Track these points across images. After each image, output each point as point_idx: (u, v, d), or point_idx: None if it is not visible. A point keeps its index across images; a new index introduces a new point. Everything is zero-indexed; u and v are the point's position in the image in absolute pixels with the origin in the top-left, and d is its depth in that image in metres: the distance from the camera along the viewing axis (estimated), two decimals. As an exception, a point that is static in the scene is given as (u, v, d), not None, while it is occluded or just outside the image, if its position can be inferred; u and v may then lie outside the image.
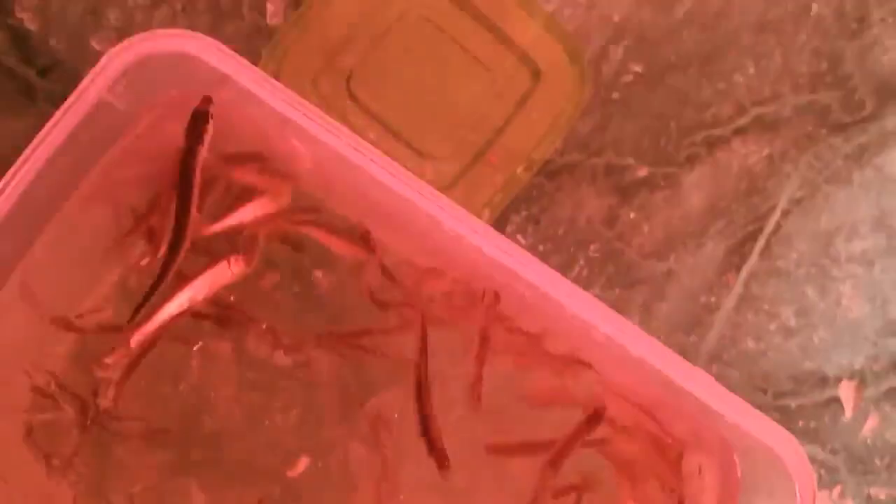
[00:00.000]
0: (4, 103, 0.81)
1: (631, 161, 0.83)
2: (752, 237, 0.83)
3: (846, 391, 0.84)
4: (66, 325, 0.68)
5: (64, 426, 0.68)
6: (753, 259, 0.84)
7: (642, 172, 0.83)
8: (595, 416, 0.67)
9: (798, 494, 0.59)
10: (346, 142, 0.61)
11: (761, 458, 0.62)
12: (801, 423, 0.82)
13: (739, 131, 0.84)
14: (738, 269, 0.83)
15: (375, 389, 0.71)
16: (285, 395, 0.71)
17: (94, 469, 0.69)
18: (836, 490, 0.83)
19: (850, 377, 0.83)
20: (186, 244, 0.66)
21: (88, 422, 0.68)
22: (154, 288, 0.65)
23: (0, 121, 0.80)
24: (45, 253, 0.67)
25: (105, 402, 0.68)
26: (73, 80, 0.78)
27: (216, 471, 0.70)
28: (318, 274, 0.72)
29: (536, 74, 0.80)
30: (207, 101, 0.66)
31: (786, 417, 0.83)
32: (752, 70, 0.84)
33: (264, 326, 0.71)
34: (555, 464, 0.68)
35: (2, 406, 0.68)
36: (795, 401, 0.83)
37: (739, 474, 0.66)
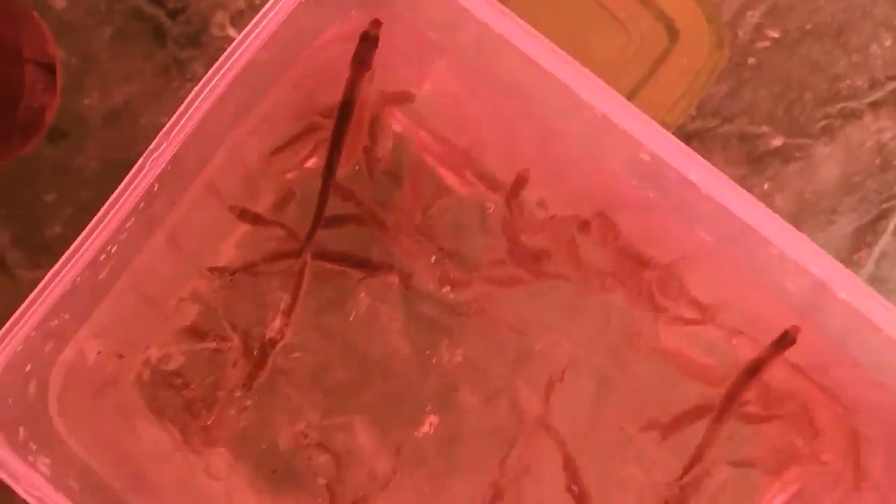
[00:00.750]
0: (135, 45, 0.79)
1: (765, 129, 0.81)
2: (886, 215, 0.80)
3: None
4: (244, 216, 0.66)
5: (229, 358, 0.66)
6: (886, 238, 0.81)
7: (776, 142, 0.81)
8: (785, 339, 0.62)
9: None
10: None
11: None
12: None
13: (874, 105, 0.80)
14: (871, 247, 0.81)
15: (545, 333, 0.69)
16: (453, 333, 0.69)
17: (259, 404, 0.67)
18: None
19: None
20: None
21: (255, 352, 0.66)
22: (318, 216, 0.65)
23: (130, 62, 0.79)
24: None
25: (271, 332, 0.66)
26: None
27: (382, 408, 0.68)
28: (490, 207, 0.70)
29: (674, 35, 0.77)
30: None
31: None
32: (888, 42, 0.84)
33: (433, 259, 0.68)
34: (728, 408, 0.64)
35: (166, 333, 0.66)
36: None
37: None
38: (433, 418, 0.67)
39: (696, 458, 0.66)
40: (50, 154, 0.78)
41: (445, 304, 0.69)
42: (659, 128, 0.57)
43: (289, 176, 0.68)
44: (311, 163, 0.69)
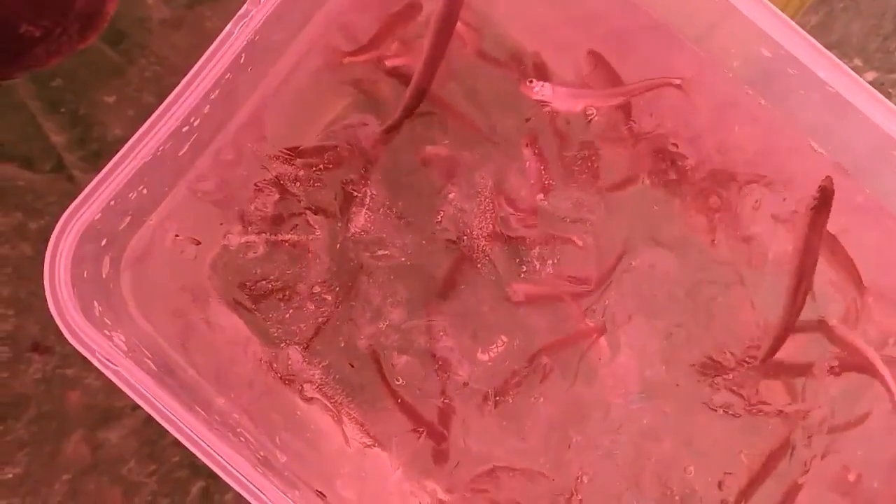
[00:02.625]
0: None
1: (858, 63, 0.78)
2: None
3: None
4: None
5: (310, 250, 0.64)
6: None
7: (869, 76, 0.77)
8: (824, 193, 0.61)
9: None
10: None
11: None
12: None
13: (975, 42, 0.76)
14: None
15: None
16: (546, 245, 0.65)
17: (339, 300, 0.64)
18: None
19: None
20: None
21: (338, 245, 0.64)
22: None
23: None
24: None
25: (355, 227, 0.63)
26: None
27: (467, 313, 0.65)
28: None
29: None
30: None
31: None
32: None
33: (526, 164, 0.64)
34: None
35: (245, 221, 0.63)
36: None
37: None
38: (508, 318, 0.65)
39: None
40: (111, 56, 0.75)
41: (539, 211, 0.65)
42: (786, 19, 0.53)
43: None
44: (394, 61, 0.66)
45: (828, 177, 0.61)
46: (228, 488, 0.74)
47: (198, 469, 0.73)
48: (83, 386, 0.72)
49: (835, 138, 0.61)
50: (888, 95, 0.74)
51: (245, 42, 0.52)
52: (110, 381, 0.54)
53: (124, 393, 0.55)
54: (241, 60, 0.53)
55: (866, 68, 0.75)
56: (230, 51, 0.51)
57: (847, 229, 0.64)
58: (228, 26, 0.52)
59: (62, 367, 0.73)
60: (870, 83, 0.74)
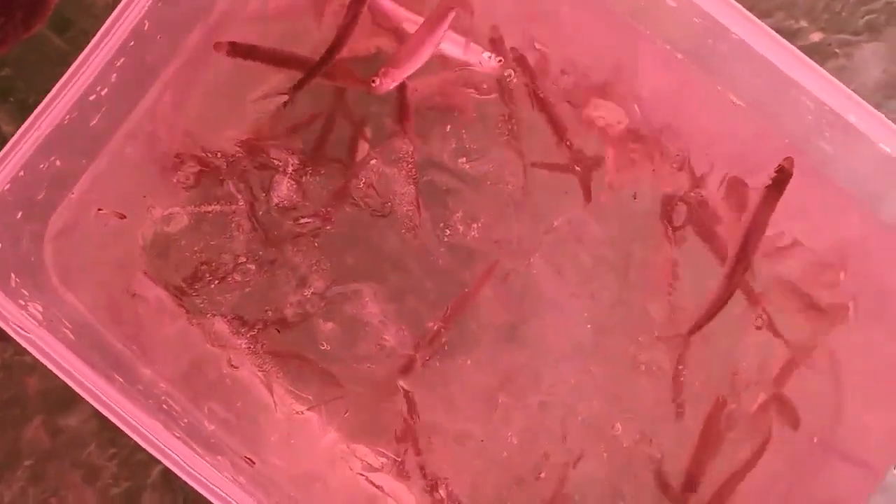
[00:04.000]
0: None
1: (804, 24, 0.78)
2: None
3: None
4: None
5: (234, 221, 0.64)
6: None
7: (815, 37, 0.77)
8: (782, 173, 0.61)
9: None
10: None
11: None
12: None
13: (922, 2, 0.75)
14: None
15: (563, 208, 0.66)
16: (468, 205, 0.66)
17: (264, 269, 0.65)
18: None
19: None
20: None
21: (260, 214, 0.64)
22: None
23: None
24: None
25: (278, 196, 0.64)
26: None
27: (393, 278, 0.65)
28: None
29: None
30: None
31: None
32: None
33: (448, 129, 0.65)
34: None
35: (169, 195, 0.64)
36: None
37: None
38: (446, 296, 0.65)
39: None
40: (58, 44, 0.74)
41: (461, 174, 0.66)
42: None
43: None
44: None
45: (788, 157, 0.61)
46: None
47: None
48: (41, 372, 0.74)
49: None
50: (835, 55, 0.74)
51: (146, 9, 0.52)
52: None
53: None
54: (146, 28, 0.53)
55: (812, 28, 0.76)
56: (131, 18, 0.52)
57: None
58: (132, -6, 0.52)
59: (21, 354, 0.73)
60: (816, 43, 0.75)
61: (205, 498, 0.67)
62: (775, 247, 0.66)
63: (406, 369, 0.64)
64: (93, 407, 0.73)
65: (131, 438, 0.73)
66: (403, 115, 0.66)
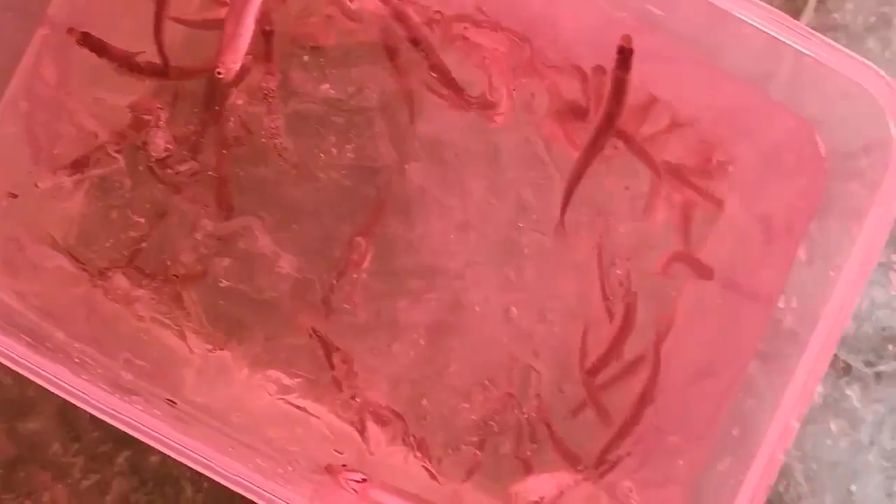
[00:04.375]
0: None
1: None
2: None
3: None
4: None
5: (116, 181, 0.66)
6: (808, 16, 0.77)
7: None
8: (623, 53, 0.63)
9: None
10: None
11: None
12: None
13: None
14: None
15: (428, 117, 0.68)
16: (338, 129, 0.68)
17: (155, 222, 0.67)
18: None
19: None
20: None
21: (141, 169, 0.66)
22: None
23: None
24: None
25: (156, 151, 0.66)
26: None
27: (277, 209, 0.68)
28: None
29: None
30: None
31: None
32: None
33: (306, 59, 0.67)
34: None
35: (51, 166, 0.66)
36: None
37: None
38: (333, 215, 0.67)
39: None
40: None
41: (326, 100, 0.68)
42: None
43: None
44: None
45: (625, 35, 0.63)
46: (152, 451, 0.78)
47: (120, 440, 0.75)
48: (-5, 382, 0.77)
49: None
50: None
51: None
52: (19, 374, 0.55)
53: (34, 383, 0.57)
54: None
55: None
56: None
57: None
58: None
59: (-27, 369, 0.76)
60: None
61: (171, 476, 0.71)
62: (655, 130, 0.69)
63: (306, 292, 0.67)
64: (53, 408, 0.76)
65: (92, 431, 0.77)
66: (267, 53, 0.68)
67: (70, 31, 0.66)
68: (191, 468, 0.68)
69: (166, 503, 0.76)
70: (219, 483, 0.70)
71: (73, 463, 0.75)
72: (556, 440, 0.67)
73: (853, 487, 0.77)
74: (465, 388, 0.67)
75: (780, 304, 0.63)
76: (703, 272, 0.68)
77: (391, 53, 0.68)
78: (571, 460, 0.67)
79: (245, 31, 0.64)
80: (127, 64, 0.66)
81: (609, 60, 0.64)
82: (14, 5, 0.62)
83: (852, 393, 0.77)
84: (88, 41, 0.65)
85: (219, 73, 0.64)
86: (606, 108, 0.65)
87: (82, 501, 0.75)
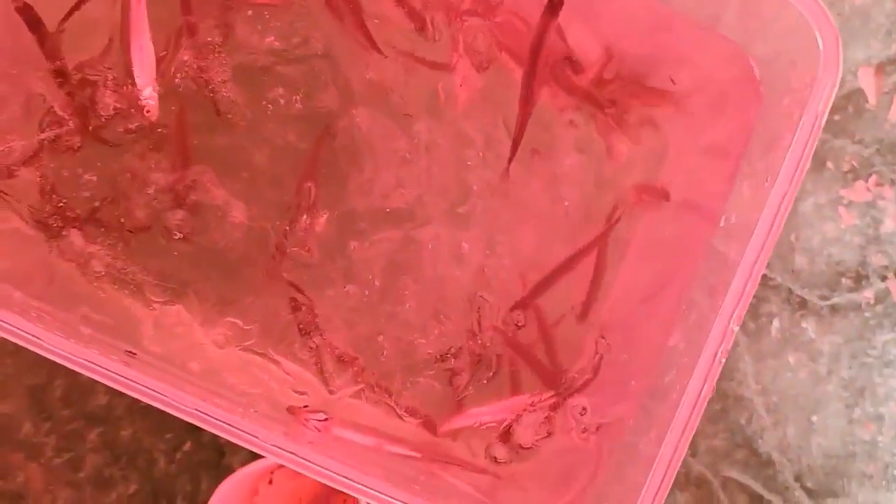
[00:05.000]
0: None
1: None
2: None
3: (866, 78, 0.81)
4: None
5: (67, 141, 0.67)
6: None
7: None
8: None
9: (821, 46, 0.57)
10: None
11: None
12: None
13: None
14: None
15: (368, 61, 0.69)
16: (284, 80, 0.69)
17: (106, 179, 0.68)
18: (872, 180, 0.79)
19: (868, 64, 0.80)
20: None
21: (90, 128, 0.67)
22: None
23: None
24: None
25: (104, 109, 0.66)
26: None
27: (228, 160, 0.68)
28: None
29: None
30: None
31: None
32: None
33: (250, 13, 0.68)
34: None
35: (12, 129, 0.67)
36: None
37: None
38: (287, 160, 0.69)
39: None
40: None
41: (272, 51, 0.69)
42: None
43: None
44: None
45: None
46: (123, 426, 0.78)
47: (91, 417, 0.77)
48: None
49: None
50: None
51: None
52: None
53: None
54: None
55: None
56: None
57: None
58: None
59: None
60: None
61: (144, 448, 0.71)
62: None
63: (260, 240, 0.68)
64: (23, 390, 0.76)
65: (62, 409, 0.77)
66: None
67: None
68: (164, 440, 0.69)
69: (140, 476, 0.78)
70: (191, 453, 0.72)
71: (46, 442, 0.76)
72: (533, 361, 0.68)
73: (814, 418, 0.79)
74: (421, 324, 0.69)
75: (721, 223, 0.66)
76: (661, 195, 0.70)
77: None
78: (548, 379, 0.68)
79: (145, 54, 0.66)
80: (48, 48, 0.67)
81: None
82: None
83: (808, 326, 0.79)
84: (25, 14, 0.66)
85: (147, 112, 0.66)
86: (530, 54, 0.66)
87: (57, 479, 0.76)
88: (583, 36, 0.69)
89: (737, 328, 0.57)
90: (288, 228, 0.68)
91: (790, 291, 0.80)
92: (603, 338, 0.69)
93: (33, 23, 0.66)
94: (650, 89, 0.69)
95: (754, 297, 0.61)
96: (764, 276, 0.72)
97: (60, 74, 0.67)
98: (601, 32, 0.69)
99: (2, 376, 0.74)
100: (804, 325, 0.80)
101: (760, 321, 0.79)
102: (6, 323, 0.55)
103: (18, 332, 0.55)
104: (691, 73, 0.69)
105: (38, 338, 0.55)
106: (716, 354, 0.56)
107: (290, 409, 0.65)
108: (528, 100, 0.67)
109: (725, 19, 0.64)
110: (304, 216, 0.68)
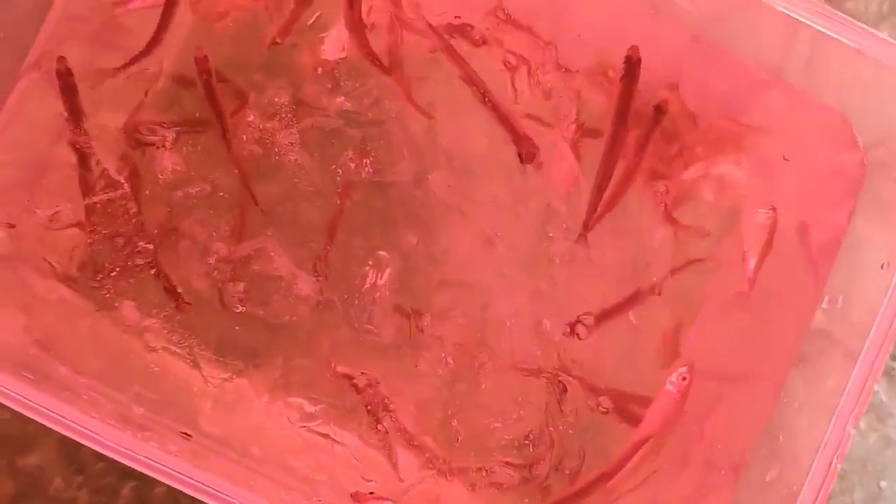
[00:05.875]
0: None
1: None
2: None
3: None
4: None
5: (121, 206, 0.63)
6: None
7: None
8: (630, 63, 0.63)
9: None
10: None
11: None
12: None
13: None
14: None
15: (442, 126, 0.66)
16: (354, 143, 0.65)
17: (164, 247, 0.64)
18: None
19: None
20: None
21: (147, 192, 0.63)
22: None
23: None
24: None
25: (162, 173, 0.63)
26: None
27: (294, 229, 0.65)
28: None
29: None
30: None
31: None
32: None
33: (319, 71, 0.65)
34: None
35: (50, 194, 0.63)
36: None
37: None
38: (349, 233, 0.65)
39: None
40: None
41: (341, 113, 0.65)
42: None
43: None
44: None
45: (633, 46, 0.63)
46: (158, 482, 0.75)
47: (124, 471, 0.73)
48: (-4, 418, 0.73)
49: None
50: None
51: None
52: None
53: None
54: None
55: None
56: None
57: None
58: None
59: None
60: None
61: None
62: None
63: (326, 313, 0.64)
64: (53, 442, 0.73)
65: (95, 463, 0.73)
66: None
67: (60, 59, 0.63)
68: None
69: (175, 532, 0.74)
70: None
71: (77, 497, 0.71)
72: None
73: (883, 483, 0.76)
74: (498, 407, 0.65)
75: (824, 305, 0.62)
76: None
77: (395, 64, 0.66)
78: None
79: None
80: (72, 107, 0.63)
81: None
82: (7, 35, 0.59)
83: (879, 388, 0.76)
84: (62, 74, 0.63)
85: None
86: (614, 118, 0.64)
87: (89, 535, 0.73)
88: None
89: (853, 431, 0.53)
90: (356, 302, 0.64)
91: (860, 350, 0.77)
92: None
93: (69, 89, 0.63)
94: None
95: (820, 353, 0.58)
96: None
97: (113, 134, 0.64)
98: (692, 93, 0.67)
99: (32, 426, 0.70)
100: (875, 386, 0.77)
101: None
102: (45, 408, 0.50)
103: (59, 418, 0.51)
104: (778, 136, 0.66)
105: (91, 431, 0.51)
106: (830, 463, 0.53)
107: (355, 496, 0.61)
108: (608, 165, 0.64)
109: (810, 75, 0.62)
110: (375, 289, 0.64)
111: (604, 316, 0.65)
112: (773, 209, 0.65)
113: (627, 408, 0.64)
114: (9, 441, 0.70)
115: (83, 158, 0.63)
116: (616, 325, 0.66)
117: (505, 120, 0.64)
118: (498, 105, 0.64)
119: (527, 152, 0.65)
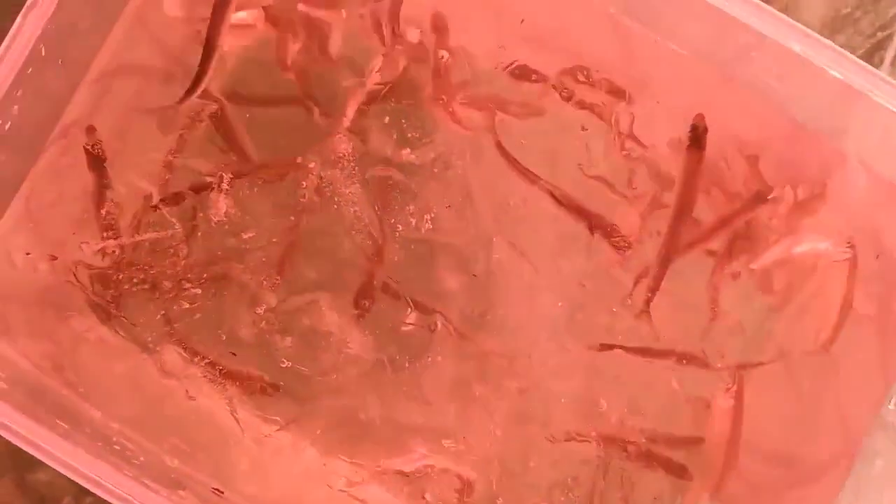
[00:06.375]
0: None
1: None
2: (881, 46, 0.72)
3: None
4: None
5: (171, 246, 0.61)
6: (885, 70, 0.75)
7: None
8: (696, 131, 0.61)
9: None
10: None
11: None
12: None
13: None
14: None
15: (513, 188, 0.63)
16: (415, 195, 0.62)
17: (212, 292, 0.61)
18: None
19: None
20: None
21: (199, 235, 0.60)
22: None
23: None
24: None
25: (216, 215, 0.60)
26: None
27: (348, 284, 0.62)
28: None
29: None
30: None
31: None
32: None
33: (387, 120, 0.62)
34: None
35: (99, 228, 0.60)
36: None
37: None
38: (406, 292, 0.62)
39: None
40: None
41: (406, 166, 0.63)
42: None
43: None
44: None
45: (698, 114, 0.61)
46: None
47: None
48: (4, 430, 0.70)
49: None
50: None
51: (41, 31, 0.49)
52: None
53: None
54: (43, 53, 0.50)
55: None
56: (23, 43, 0.48)
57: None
58: (18, 19, 0.49)
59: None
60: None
61: None
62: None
63: (375, 374, 0.61)
64: None
65: None
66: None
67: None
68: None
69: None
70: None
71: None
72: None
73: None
74: (546, 487, 0.61)
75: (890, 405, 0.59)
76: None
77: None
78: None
79: None
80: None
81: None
82: (66, 57, 0.57)
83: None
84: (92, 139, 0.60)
85: None
86: (680, 189, 0.62)
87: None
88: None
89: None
90: (408, 365, 0.62)
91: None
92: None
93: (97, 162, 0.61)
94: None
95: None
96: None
97: (169, 171, 0.61)
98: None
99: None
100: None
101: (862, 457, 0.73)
102: (87, 471, 0.48)
103: (96, 479, 0.49)
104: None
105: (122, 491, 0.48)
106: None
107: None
108: (674, 237, 0.61)
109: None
110: (427, 353, 0.61)
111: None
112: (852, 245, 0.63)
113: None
114: (18, 455, 0.68)
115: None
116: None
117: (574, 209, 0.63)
118: (568, 201, 0.63)
119: (596, 225, 0.63)
